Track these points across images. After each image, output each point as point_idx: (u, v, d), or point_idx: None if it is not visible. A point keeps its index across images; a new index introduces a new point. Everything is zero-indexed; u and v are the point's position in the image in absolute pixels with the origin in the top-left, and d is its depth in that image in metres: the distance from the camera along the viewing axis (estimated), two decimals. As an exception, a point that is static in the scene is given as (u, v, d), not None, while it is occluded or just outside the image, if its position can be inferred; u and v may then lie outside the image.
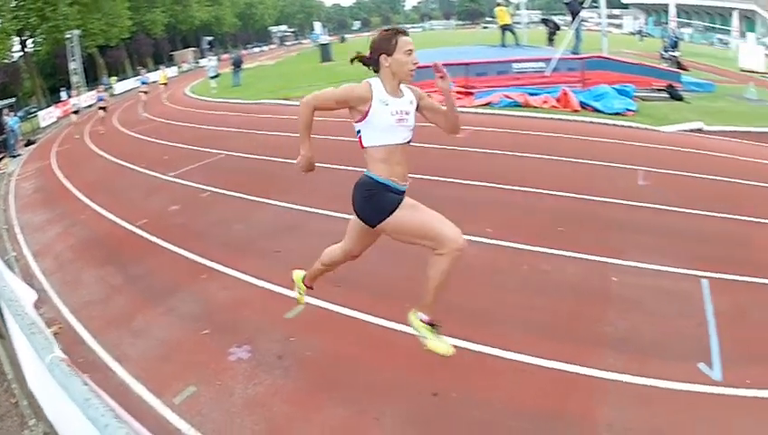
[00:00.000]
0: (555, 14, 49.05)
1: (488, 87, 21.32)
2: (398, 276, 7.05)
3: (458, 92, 20.10)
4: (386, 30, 4.66)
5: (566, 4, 25.40)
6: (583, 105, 19.31)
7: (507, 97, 20.00)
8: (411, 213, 4.51)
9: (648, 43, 45.96)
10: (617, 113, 18.66)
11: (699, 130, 17.79)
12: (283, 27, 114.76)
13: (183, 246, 9.22)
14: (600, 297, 6.81)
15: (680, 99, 22.07)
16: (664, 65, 29.01)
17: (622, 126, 17.42)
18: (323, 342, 6.15)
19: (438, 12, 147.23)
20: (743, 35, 60.28)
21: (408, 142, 4.63)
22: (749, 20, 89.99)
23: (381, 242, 4.83)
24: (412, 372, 5.47)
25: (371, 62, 4.64)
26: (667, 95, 22.44)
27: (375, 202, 4.54)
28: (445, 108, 4.75)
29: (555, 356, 5.56)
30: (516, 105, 19.82)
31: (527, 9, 44.26)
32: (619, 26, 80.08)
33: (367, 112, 4.46)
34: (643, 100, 21.18)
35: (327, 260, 5.23)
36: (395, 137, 4.54)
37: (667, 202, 9.90)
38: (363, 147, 4.59)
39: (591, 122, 17.64)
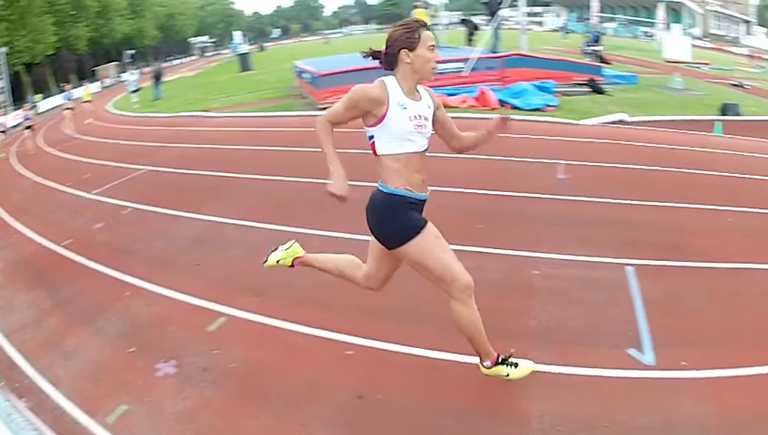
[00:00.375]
0: (476, 15, 49.58)
1: (405, 90, 21.28)
2: (314, 283, 6.90)
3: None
4: (405, 23, 4.39)
5: (484, 3, 25.85)
6: (502, 103, 19.58)
7: (425, 98, 19.98)
8: (436, 246, 4.42)
9: (572, 40, 47.13)
10: (536, 109, 19.04)
11: (621, 122, 18.27)
12: (204, 38, 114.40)
13: (107, 264, 9.15)
14: (524, 291, 6.90)
15: (602, 92, 22.70)
16: (586, 60, 29.57)
17: (542, 121, 17.72)
18: (246, 352, 6.12)
19: (358, 17, 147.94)
20: (668, 27, 61.58)
21: (426, 151, 4.45)
22: (675, 12, 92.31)
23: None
24: (336, 377, 5.49)
25: (388, 58, 4.37)
26: (589, 89, 23.05)
27: (394, 220, 4.42)
28: (461, 134, 4.79)
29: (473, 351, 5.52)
30: (434, 106, 19.73)
31: (447, 10, 44.69)
32: (540, 24, 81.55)
33: (383, 116, 4.23)
34: (564, 95, 21.72)
35: (340, 271, 5.16)
36: (413, 145, 4.34)
37: (589, 193, 10.14)
38: (377, 155, 4.39)
39: (510, 119, 17.55)
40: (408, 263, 4.52)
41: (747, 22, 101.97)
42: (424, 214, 4.59)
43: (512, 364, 4.78)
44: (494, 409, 4.94)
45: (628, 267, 7.29)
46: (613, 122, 18.11)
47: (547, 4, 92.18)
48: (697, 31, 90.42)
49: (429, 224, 4.44)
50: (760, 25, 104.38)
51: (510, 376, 4.73)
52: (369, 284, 4.97)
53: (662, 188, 10.65)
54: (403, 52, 4.25)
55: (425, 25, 4.31)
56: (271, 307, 6.86)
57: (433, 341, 5.80)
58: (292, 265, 5.40)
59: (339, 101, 4.30)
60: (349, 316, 6.41)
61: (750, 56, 70.33)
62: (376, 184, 4.51)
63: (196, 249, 9.38)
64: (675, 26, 38.29)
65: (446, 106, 15.35)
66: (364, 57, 4.53)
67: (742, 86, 34.40)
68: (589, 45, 32.41)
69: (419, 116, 4.31)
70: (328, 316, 6.09)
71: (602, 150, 13.79)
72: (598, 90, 22.97)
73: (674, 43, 31.12)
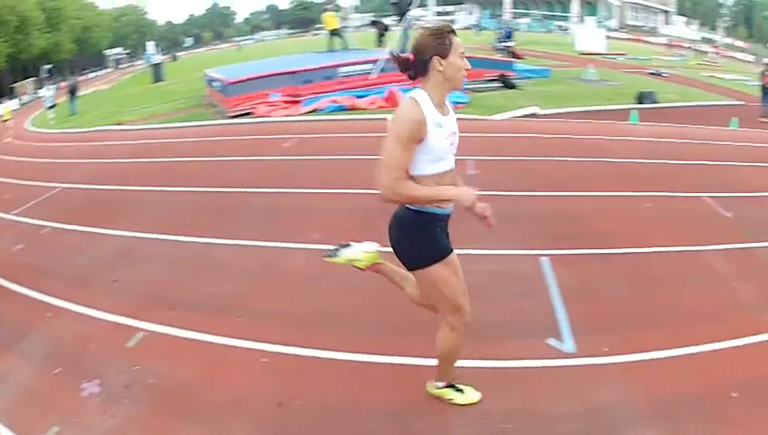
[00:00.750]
0: (387, 16, 49.93)
1: (315, 94, 21.43)
2: (226, 292, 7.04)
3: (285, 102, 20.18)
4: (435, 29, 4.07)
5: (394, 4, 25.91)
6: (412, 102, 19.40)
7: (334, 102, 20.15)
8: (454, 275, 4.36)
9: (486, 36, 47.57)
10: (445, 107, 18.90)
11: (534, 115, 18.65)
12: (118, 50, 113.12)
13: (28, 285, 8.90)
14: None
15: (513, 87, 23.23)
16: (498, 56, 29.99)
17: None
18: (166, 366, 6.05)
19: (269, 22, 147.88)
20: (582, 20, 62.95)
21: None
22: (591, 5, 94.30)
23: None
24: (254, 386, 5.48)
25: (417, 65, 4.04)
26: (501, 84, 23.34)
27: (424, 243, 4.25)
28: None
29: (395, 352, 5.66)
30: (344, 109, 19.97)
31: (359, 12, 44.92)
32: (452, 22, 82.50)
33: (422, 139, 3.93)
34: (475, 91, 22.01)
35: (402, 285, 4.97)
36: (446, 163, 4.14)
37: (501, 187, 10.12)
38: (411, 176, 4.04)
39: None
40: (421, 283, 4.45)
41: (666, 12, 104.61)
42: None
43: (458, 389, 4.84)
44: (418, 407, 4.94)
45: (543, 258, 7.41)
46: (525, 116, 18.50)
47: (459, 2, 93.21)
48: (614, 23, 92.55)
49: (453, 251, 4.35)
50: (680, 15, 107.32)
51: (453, 401, 4.78)
52: (414, 300, 4.87)
53: (575, 179, 10.91)
54: (435, 59, 3.97)
55: (453, 31, 4.09)
56: (187, 320, 6.80)
57: (353, 344, 5.83)
58: (362, 269, 5.07)
59: (389, 149, 3.93)
60: (265, 324, 6.41)
61: (668, 45, 72.61)
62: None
63: (115, 266, 9.22)
64: (589, 19, 38.96)
65: (355, 108, 15.45)
66: (390, 63, 4.52)
67: (660, 74, 35.47)
68: (500, 41, 33.16)
69: (452, 133, 4.13)
70: (244, 325, 6.10)
71: (514, 144, 14.04)
72: (509, 85, 23.53)
73: (587, 35, 31.78)
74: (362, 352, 5.68)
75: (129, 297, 7.25)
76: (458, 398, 4.79)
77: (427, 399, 4.98)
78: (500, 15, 58.50)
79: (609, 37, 70.60)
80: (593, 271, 7.23)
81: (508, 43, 32.21)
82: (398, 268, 4.83)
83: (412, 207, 4.12)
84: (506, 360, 5.36)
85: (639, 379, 5.22)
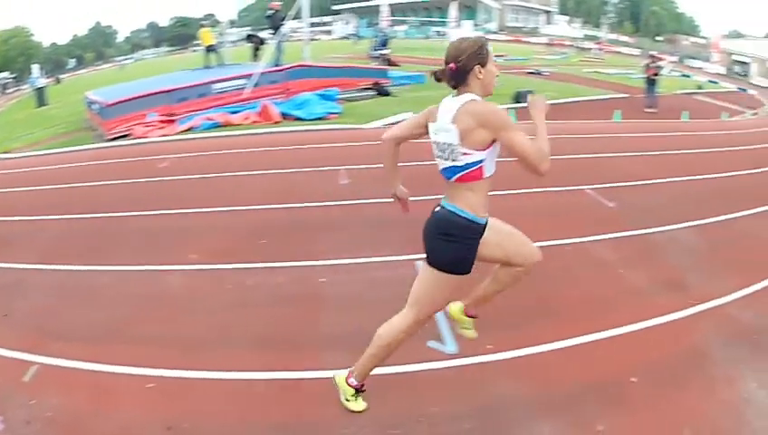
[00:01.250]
0: (263, 30, 49.91)
1: (190, 112, 21.17)
2: (110, 319, 6.84)
3: (161, 121, 19.98)
4: (474, 40, 4.30)
5: (267, 17, 25.87)
6: (285, 115, 19.82)
7: (209, 119, 19.95)
8: (452, 295, 4.67)
9: (363, 46, 47.90)
10: (320, 118, 19.38)
11: (407, 121, 18.60)
12: (5, 74, 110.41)
13: None
14: (314, 301, 6.96)
15: (387, 94, 23.46)
16: (373, 64, 30.24)
17: (327, 130, 17.99)
18: (60, 398, 5.77)
19: (150, 40, 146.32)
20: (460, 25, 64.03)
21: None
22: (470, 9, 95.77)
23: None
24: (142, 412, 5.33)
25: (458, 74, 4.23)
26: (375, 93, 23.52)
27: (465, 253, 4.41)
28: None
29: (277, 367, 5.63)
30: (218, 126, 19.81)
31: (236, 27, 44.74)
32: (329, 32, 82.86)
33: (495, 139, 4.11)
34: (349, 101, 22.25)
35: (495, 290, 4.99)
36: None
37: (374, 195, 10.08)
38: (482, 179, 4.26)
39: (293, 131, 18.07)
40: (429, 279, 4.54)
41: (548, 12, 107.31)
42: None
43: (359, 394, 4.88)
44: (304, 420, 4.95)
45: (418, 262, 7.33)
46: (398, 123, 18.36)
47: (336, 12, 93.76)
48: (494, 25, 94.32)
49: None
50: (562, 14, 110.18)
51: (347, 401, 4.81)
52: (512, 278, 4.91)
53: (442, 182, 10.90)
54: (477, 68, 4.19)
55: (487, 41, 4.33)
56: (75, 349, 6.53)
57: (236, 363, 5.78)
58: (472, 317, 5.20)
59: (517, 138, 4.05)
60: (150, 349, 6.30)
61: (549, 44, 74.59)
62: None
63: (4, 299, 8.69)
64: (466, 23, 39.43)
65: (229, 124, 15.26)
66: (434, 78, 4.48)
67: (540, 73, 36.43)
68: (376, 50, 33.32)
69: None
70: (130, 351, 5.98)
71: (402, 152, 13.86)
72: (383, 92, 23.87)
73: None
74: (246, 370, 5.60)
75: (21, 330, 6.98)
76: (353, 404, 4.82)
77: (313, 411, 4.98)
78: (377, 24, 58.93)
79: (488, 40, 72.03)
80: (473, 270, 7.22)
81: (384, 51, 32.50)
82: (480, 287, 5.02)
83: (469, 217, 4.32)
84: (389, 366, 5.19)
85: (531, 373, 5.31)
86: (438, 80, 4.40)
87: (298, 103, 20.45)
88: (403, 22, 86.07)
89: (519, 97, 23.30)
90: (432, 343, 5.69)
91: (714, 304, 7.09)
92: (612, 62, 59.47)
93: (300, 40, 37.14)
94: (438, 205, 4.52)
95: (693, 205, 11.13)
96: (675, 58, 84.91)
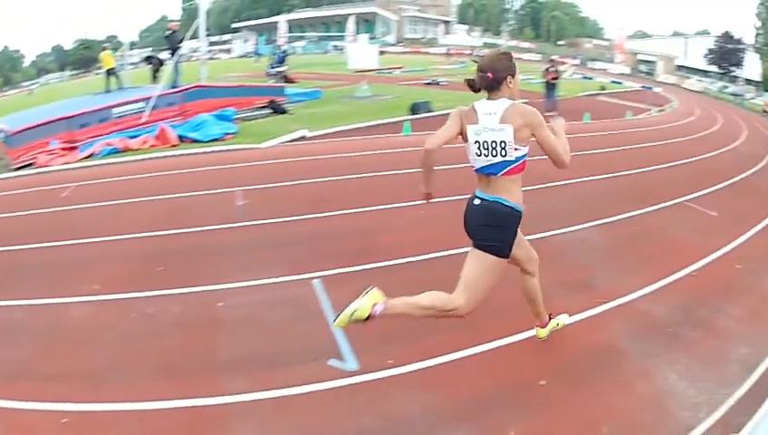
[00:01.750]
0: (164, 50, 49.43)
1: (92, 138, 20.67)
2: (19, 355, 6.58)
3: (63, 149, 19.53)
4: (504, 53, 5.07)
5: (166, 38, 25.60)
6: (182, 138, 19.54)
7: (109, 145, 19.51)
8: (498, 278, 5.14)
9: (263, 63, 47.74)
10: (216, 139, 19.19)
11: (303, 138, 18.75)
12: None
13: None
14: (212, 326, 6.83)
15: (284, 112, 23.41)
16: (270, 82, 30.20)
17: (223, 151, 17.78)
18: None
19: (55, 64, 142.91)
20: (357, 39, 64.45)
21: None
22: (369, 22, 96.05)
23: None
24: None
25: (493, 83, 4.89)
26: (271, 111, 23.51)
27: (509, 236, 5.06)
28: None
29: (177, 395, 5.50)
30: (117, 151, 19.39)
31: (138, 48, 44.18)
32: (228, 51, 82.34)
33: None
34: (245, 120, 22.14)
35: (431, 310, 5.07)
36: None
37: (270, 215, 10.18)
38: (524, 170, 4.98)
39: (190, 154, 17.85)
40: (483, 266, 5.06)
41: (447, 22, 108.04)
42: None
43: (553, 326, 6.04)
44: None
45: (316, 280, 7.39)
46: (294, 140, 18.59)
47: (236, 31, 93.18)
48: (392, 38, 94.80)
49: None
50: (461, 23, 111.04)
51: (354, 313, 4.91)
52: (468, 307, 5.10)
53: (347, 197, 11.06)
54: (509, 78, 4.89)
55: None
56: None
57: (142, 393, 5.64)
58: (366, 319, 5.07)
59: (549, 136, 4.91)
60: (59, 383, 6.09)
61: (448, 54, 75.22)
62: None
63: None
64: (361, 37, 39.55)
65: (128, 149, 15.05)
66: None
67: (437, 83, 36.66)
68: (273, 67, 33.25)
69: None
70: (43, 387, 5.79)
71: (283, 170, 14.02)
72: (280, 110, 23.80)
73: (359, 53, 32.20)
74: (151, 400, 5.45)
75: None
76: (547, 328, 5.98)
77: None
78: (275, 41, 58.80)
79: (386, 52, 72.31)
80: (369, 285, 7.24)
81: (281, 69, 32.42)
82: (407, 297, 5.10)
83: (514, 207, 4.93)
84: (290, 387, 5.30)
85: (436, 384, 5.33)
86: (472, 87, 5.08)
87: (195, 125, 20.27)
88: (301, 38, 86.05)
89: (415, 108, 23.52)
90: (333, 362, 5.66)
91: (623, 301, 7.28)
92: (512, 69, 60.56)
93: (201, 60, 37.01)
94: (476, 198, 5.06)
95: (596, 204, 11.48)
96: (577, 61, 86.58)
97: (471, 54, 74.33)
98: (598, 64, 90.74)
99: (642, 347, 6.22)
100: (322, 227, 9.62)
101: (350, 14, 68.12)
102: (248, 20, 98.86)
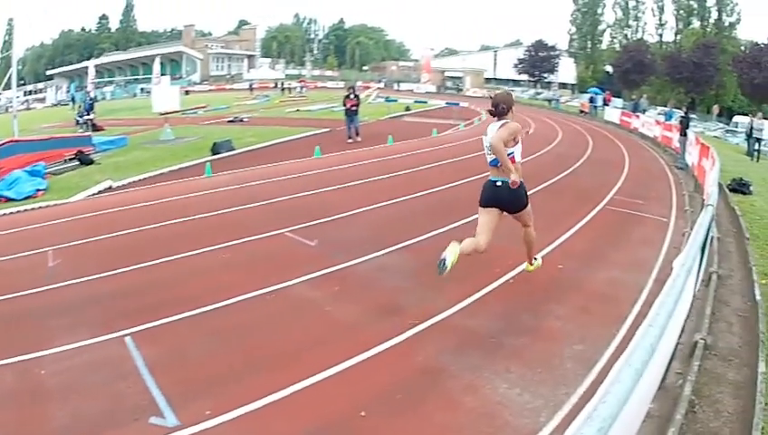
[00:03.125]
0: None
1: None
2: None
3: None
4: (508, 93, 8.78)
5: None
6: (-1, 197, 18.41)
7: None
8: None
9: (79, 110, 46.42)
10: (29, 197, 18.28)
11: (110, 189, 18.16)
12: None
13: None
14: (38, 395, 6.34)
15: (92, 162, 22.60)
16: (80, 131, 29.34)
17: (33, 209, 16.88)
18: None
19: None
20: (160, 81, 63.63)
21: None
22: (175, 62, 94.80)
23: None
24: None
25: (505, 111, 8.13)
26: (79, 162, 22.71)
27: (526, 195, 8.30)
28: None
29: None
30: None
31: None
32: (43, 100, 79.43)
33: (518, 140, 8.12)
34: (55, 175, 21.28)
35: (473, 248, 7.95)
36: (519, 155, 8.23)
37: (82, 273, 9.68)
38: (515, 162, 8.02)
39: (4, 214, 16.67)
40: (525, 213, 8.38)
41: (251, 56, 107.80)
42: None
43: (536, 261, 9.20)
44: None
45: (127, 338, 7.14)
46: (100, 192, 17.95)
47: (50, 78, 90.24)
48: (197, 76, 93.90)
49: None
50: (265, 57, 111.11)
51: (535, 265, 9.07)
52: (486, 244, 8.12)
53: (155, 246, 10.76)
54: (513, 108, 8.24)
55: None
56: None
57: None
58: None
59: (505, 134, 7.87)
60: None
61: (251, 89, 74.90)
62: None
63: None
64: (164, 78, 38.71)
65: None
66: (491, 113, 8.21)
67: (241, 120, 36.45)
68: (81, 115, 32.22)
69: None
70: None
71: (91, 225, 13.34)
72: (87, 161, 23.05)
73: (163, 94, 31.40)
74: None
75: None
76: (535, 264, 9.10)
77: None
78: (84, 87, 57.07)
79: (191, 91, 71.57)
80: (179, 337, 7.11)
81: (89, 116, 31.42)
82: (466, 240, 7.99)
83: (521, 181, 8.03)
84: None
85: (255, 430, 5.21)
86: (493, 114, 8.15)
87: (9, 183, 19.07)
88: (110, 82, 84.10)
89: (216, 148, 23.45)
90: (154, 420, 5.46)
91: (438, 319, 7.35)
92: (315, 98, 60.69)
93: (20, 111, 35.48)
94: (496, 181, 8.08)
95: (398, 227, 11.51)
96: (381, 84, 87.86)
97: (276, 87, 74.77)
98: (404, 86, 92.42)
99: (465, 362, 6.25)
100: (133, 280, 9.30)
101: (156, 55, 66.89)
102: (62, 65, 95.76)
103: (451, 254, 7.46)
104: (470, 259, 8.21)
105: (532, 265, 8.92)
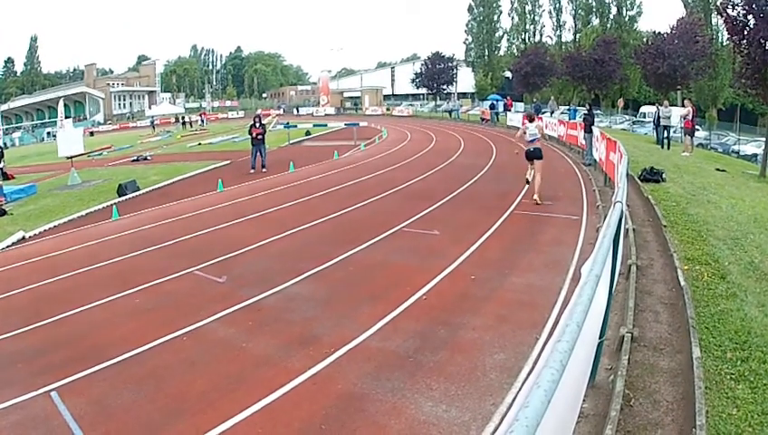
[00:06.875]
0: None
1: None
2: None
3: None
4: (532, 111, 23.42)
5: None
6: None
7: None
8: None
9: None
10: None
11: (23, 240, 17.23)
12: None
13: None
14: None
15: (4, 213, 21.33)
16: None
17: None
18: None
19: None
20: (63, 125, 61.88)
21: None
22: (79, 103, 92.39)
23: None
24: None
25: (535, 118, 17.39)
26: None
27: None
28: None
29: None
30: None
31: None
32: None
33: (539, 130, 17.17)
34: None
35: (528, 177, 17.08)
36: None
37: (4, 329, 9.16)
38: (539, 141, 16.37)
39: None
40: (540, 163, 15.92)
41: (151, 92, 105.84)
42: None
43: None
44: None
45: (53, 393, 6.82)
46: (14, 244, 16.95)
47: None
48: (100, 116, 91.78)
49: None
50: (165, 91, 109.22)
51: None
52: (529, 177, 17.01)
53: (65, 297, 10.30)
54: (539, 116, 26.91)
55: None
56: None
57: None
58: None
59: (539, 130, 17.05)
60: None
61: (153, 126, 73.39)
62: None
63: None
64: (66, 121, 37.52)
65: None
66: (527, 118, 17.07)
67: (145, 158, 35.68)
68: (-12, 165, 30.93)
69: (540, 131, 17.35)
70: None
71: (7, 279, 12.57)
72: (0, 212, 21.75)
73: (67, 138, 30.28)
74: None
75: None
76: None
77: None
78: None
79: (96, 132, 69.81)
80: (101, 388, 6.78)
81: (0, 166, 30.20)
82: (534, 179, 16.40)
83: (539, 148, 15.98)
84: None
85: None
86: (531, 120, 16.49)
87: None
88: (18, 128, 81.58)
89: (121, 190, 22.70)
90: None
91: (354, 344, 7.22)
92: (217, 130, 59.70)
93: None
94: (532, 149, 15.88)
95: (305, 255, 11.37)
96: (280, 111, 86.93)
97: (177, 122, 73.42)
98: (303, 110, 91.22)
99: (386, 385, 6.16)
100: (55, 332, 8.87)
101: (59, 98, 65.08)
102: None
103: (529, 176, 16.57)
104: (382, 280, 8.23)
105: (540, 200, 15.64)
